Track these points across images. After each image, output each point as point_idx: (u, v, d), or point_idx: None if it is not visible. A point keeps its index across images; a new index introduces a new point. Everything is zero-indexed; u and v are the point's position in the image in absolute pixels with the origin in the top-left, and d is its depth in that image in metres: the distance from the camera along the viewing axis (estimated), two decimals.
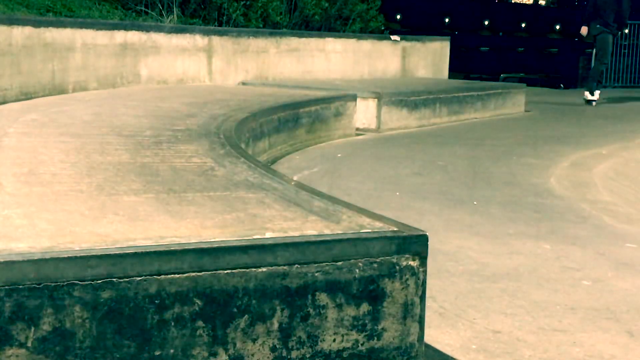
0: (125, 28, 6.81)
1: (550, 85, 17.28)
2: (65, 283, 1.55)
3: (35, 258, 1.55)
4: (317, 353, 1.79)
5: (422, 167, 5.53)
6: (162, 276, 1.63)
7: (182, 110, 4.89)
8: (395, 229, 1.93)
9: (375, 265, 1.83)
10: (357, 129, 7.22)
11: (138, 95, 5.86)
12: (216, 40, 7.73)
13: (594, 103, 10.54)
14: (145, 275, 1.62)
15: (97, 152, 3.06)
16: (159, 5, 9.31)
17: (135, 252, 1.63)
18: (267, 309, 1.73)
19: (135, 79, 6.86)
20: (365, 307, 1.83)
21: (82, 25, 6.22)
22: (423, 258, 1.89)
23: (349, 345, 1.82)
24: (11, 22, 5.33)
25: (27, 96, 5.35)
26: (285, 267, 1.74)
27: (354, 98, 7.14)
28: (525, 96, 9.80)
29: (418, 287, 1.89)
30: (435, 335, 2.44)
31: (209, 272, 1.67)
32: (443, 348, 2.36)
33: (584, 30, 10.66)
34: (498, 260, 3.31)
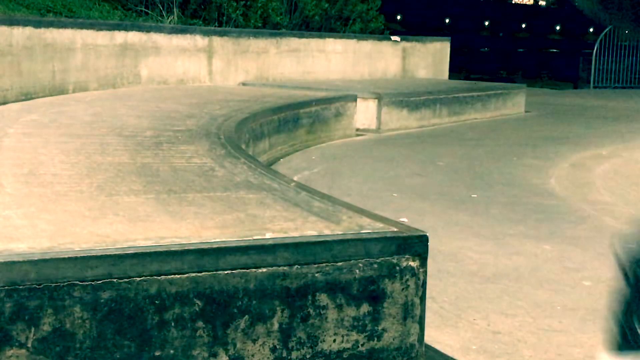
0: (126, 28, 6.81)
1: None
2: (66, 283, 1.55)
3: (36, 258, 1.55)
4: (318, 354, 1.79)
5: (422, 168, 5.53)
6: (162, 277, 1.63)
7: (182, 110, 4.89)
8: (396, 230, 1.93)
9: (376, 265, 1.83)
10: (357, 130, 7.22)
11: (138, 96, 5.87)
12: (216, 40, 7.73)
13: None
14: (146, 276, 1.62)
15: (97, 152, 3.06)
16: (159, 5, 9.31)
17: (136, 253, 1.63)
18: (267, 310, 1.73)
19: (135, 80, 6.86)
20: (365, 308, 1.83)
21: (82, 26, 6.22)
22: (423, 258, 1.89)
23: (349, 345, 1.82)
24: (11, 22, 5.33)
25: (27, 96, 5.35)
26: (285, 268, 1.74)
27: (354, 98, 7.14)
28: (526, 97, 9.80)
29: (418, 288, 1.89)
30: (435, 336, 2.44)
31: (209, 273, 1.67)
32: (443, 349, 2.36)
33: None
34: (498, 261, 3.31)
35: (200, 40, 7.57)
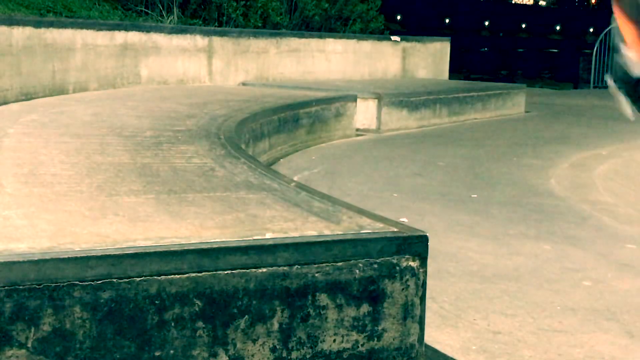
0: (126, 28, 6.81)
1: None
2: (65, 283, 1.55)
3: (36, 258, 1.55)
4: (318, 354, 1.79)
5: (422, 168, 5.53)
6: (162, 277, 1.63)
7: (182, 110, 4.89)
8: (396, 230, 1.93)
9: (376, 265, 1.83)
10: (357, 130, 7.21)
11: (138, 96, 5.87)
12: (216, 40, 7.73)
13: None
14: (146, 276, 1.62)
15: (98, 152, 3.06)
16: (159, 5, 9.31)
17: (136, 253, 1.63)
18: (267, 310, 1.73)
19: (135, 80, 6.86)
20: (365, 308, 1.83)
21: (82, 26, 6.22)
22: (423, 259, 1.89)
23: (349, 345, 1.82)
24: (11, 22, 5.33)
25: (27, 97, 5.35)
26: (285, 268, 1.74)
27: (354, 99, 7.13)
28: (526, 97, 9.80)
29: (418, 288, 1.89)
30: (435, 336, 2.44)
31: (209, 273, 1.67)
32: (443, 349, 2.36)
33: None
34: (498, 261, 3.31)
35: (200, 40, 7.57)
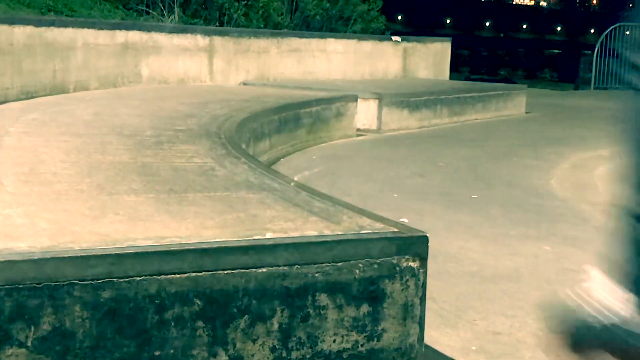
0: (127, 28, 6.82)
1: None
2: (66, 283, 1.55)
3: (36, 258, 1.55)
4: (317, 354, 1.79)
5: (422, 168, 5.53)
6: (162, 276, 1.63)
7: (183, 110, 4.89)
8: (396, 230, 1.93)
9: (376, 266, 1.83)
10: (358, 130, 7.21)
11: (139, 95, 5.87)
12: (217, 40, 7.73)
13: None
14: (146, 275, 1.62)
15: (98, 151, 3.06)
16: (160, 5, 9.32)
17: (136, 252, 1.63)
18: (267, 310, 1.73)
19: (136, 79, 6.86)
20: (365, 308, 1.83)
21: (83, 25, 6.22)
22: (423, 259, 1.89)
23: (349, 346, 1.82)
24: (12, 21, 5.33)
25: (28, 95, 5.35)
26: (285, 268, 1.74)
27: (354, 99, 7.13)
28: (526, 97, 9.79)
29: (418, 288, 1.89)
30: (435, 337, 2.44)
31: (209, 273, 1.67)
32: (443, 349, 2.36)
33: None
34: (498, 262, 3.31)
35: (201, 40, 7.57)
